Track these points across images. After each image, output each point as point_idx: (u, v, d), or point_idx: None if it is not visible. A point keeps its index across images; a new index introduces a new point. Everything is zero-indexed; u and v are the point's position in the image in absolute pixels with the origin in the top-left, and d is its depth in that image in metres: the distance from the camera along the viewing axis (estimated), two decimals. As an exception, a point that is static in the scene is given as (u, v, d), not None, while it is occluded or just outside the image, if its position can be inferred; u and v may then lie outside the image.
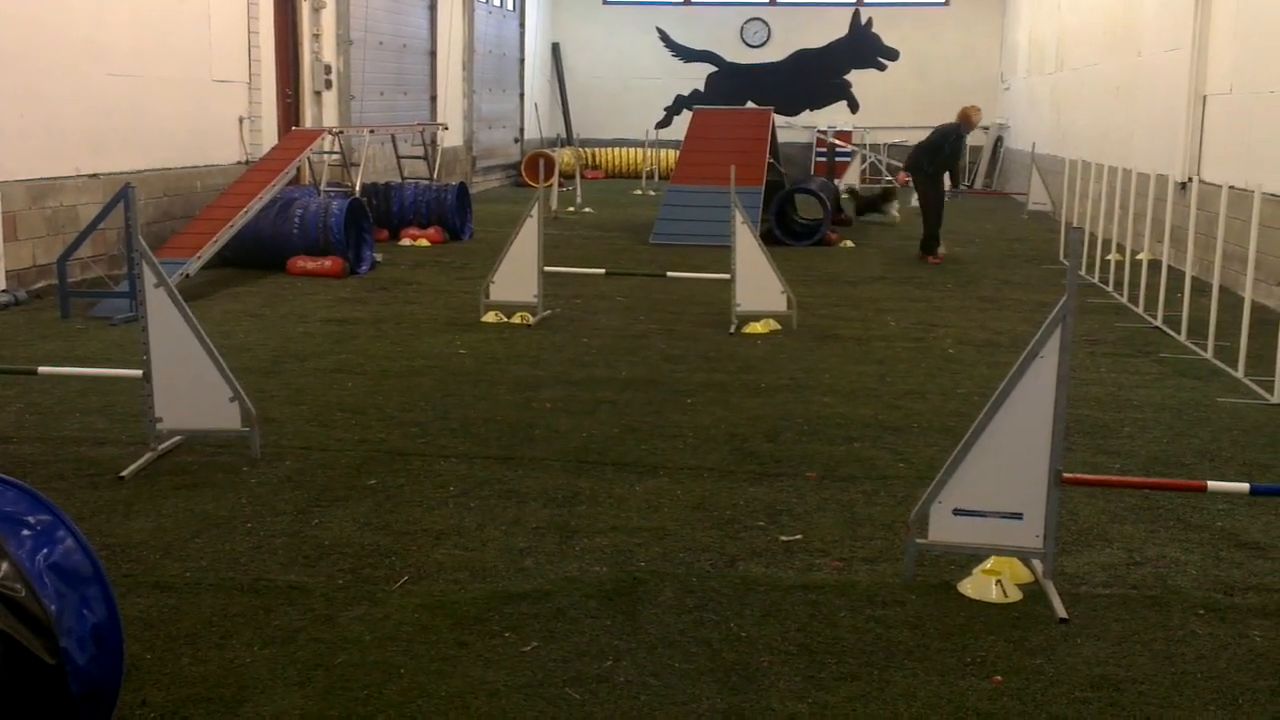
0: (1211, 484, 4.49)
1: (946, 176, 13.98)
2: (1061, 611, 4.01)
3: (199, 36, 12.81)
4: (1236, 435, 6.33)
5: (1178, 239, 10.86)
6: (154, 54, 11.92)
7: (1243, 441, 6.21)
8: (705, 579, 4.30)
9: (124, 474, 5.32)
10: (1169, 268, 9.80)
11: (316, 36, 15.86)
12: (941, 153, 13.49)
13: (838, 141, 26.51)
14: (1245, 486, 4.60)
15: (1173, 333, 8.96)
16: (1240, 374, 7.53)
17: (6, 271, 9.90)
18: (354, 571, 4.30)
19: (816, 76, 28.05)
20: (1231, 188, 8.76)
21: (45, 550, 2.88)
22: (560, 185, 19.52)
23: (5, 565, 2.76)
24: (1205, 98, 13.05)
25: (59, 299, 9.38)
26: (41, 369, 6.33)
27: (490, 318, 9.30)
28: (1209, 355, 8.14)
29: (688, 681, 3.52)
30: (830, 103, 28.10)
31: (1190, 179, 12.73)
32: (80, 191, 10.82)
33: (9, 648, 2.68)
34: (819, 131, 27.33)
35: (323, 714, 3.30)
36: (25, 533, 2.88)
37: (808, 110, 27.97)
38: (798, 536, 4.74)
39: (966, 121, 13.75)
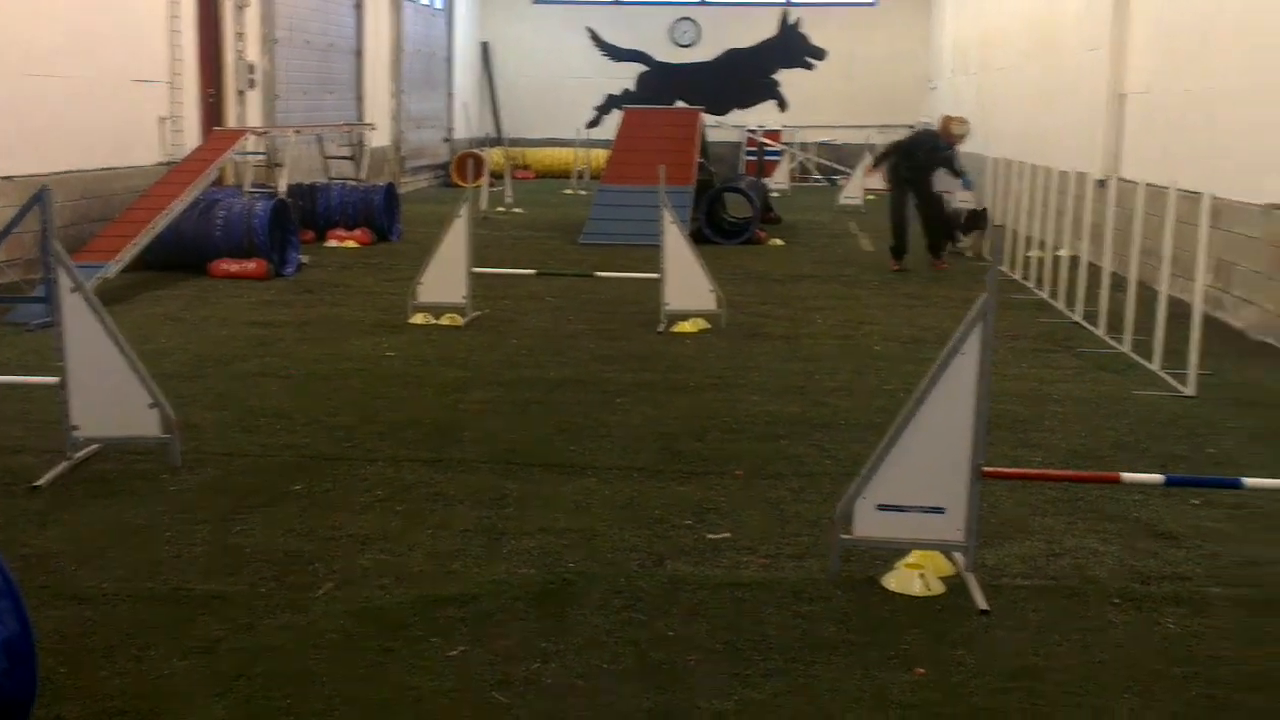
0: (1126, 475, 4.60)
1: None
2: (982, 603, 4.07)
3: (118, 35, 12.55)
4: (1152, 427, 6.48)
5: (1097, 236, 11.09)
6: (71, 53, 11.66)
7: (1158, 434, 6.36)
8: (633, 579, 4.30)
9: (39, 483, 5.20)
10: (1089, 264, 10.00)
11: (240, 35, 15.62)
12: (915, 159, 12.81)
13: (767, 140, 26.70)
14: (1160, 477, 4.72)
15: (1091, 327, 9.14)
16: (1156, 367, 7.71)
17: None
18: (277, 579, 4.25)
19: (746, 76, 28.24)
20: (1148, 185, 8.96)
21: (-48, 564, 2.81)
22: (490, 185, 19.43)
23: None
24: (1124, 97, 13.33)
25: (-27, 304, 9.14)
26: (-47, 377, 6.17)
27: (419, 319, 9.23)
28: (1126, 349, 8.32)
29: (615, 682, 3.53)
30: (759, 102, 28.31)
31: (1109, 177, 12.99)
32: (-6, 194, 10.55)
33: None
34: (748, 130, 27.50)
35: (244, 724, 3.26)
36: (-70, 546, 2.81)
37: (737, 109, 28.15)
38: (725, 535, 4.77)
39: (945, 133, 12.98)
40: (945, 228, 13.40)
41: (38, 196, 5.97)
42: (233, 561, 4.40)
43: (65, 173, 11.52)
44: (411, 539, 4.66)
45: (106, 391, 5.36)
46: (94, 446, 5.55)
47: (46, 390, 5.90)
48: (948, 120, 13.22)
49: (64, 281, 5.29)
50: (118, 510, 4.92)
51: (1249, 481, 4.69)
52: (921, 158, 12.87)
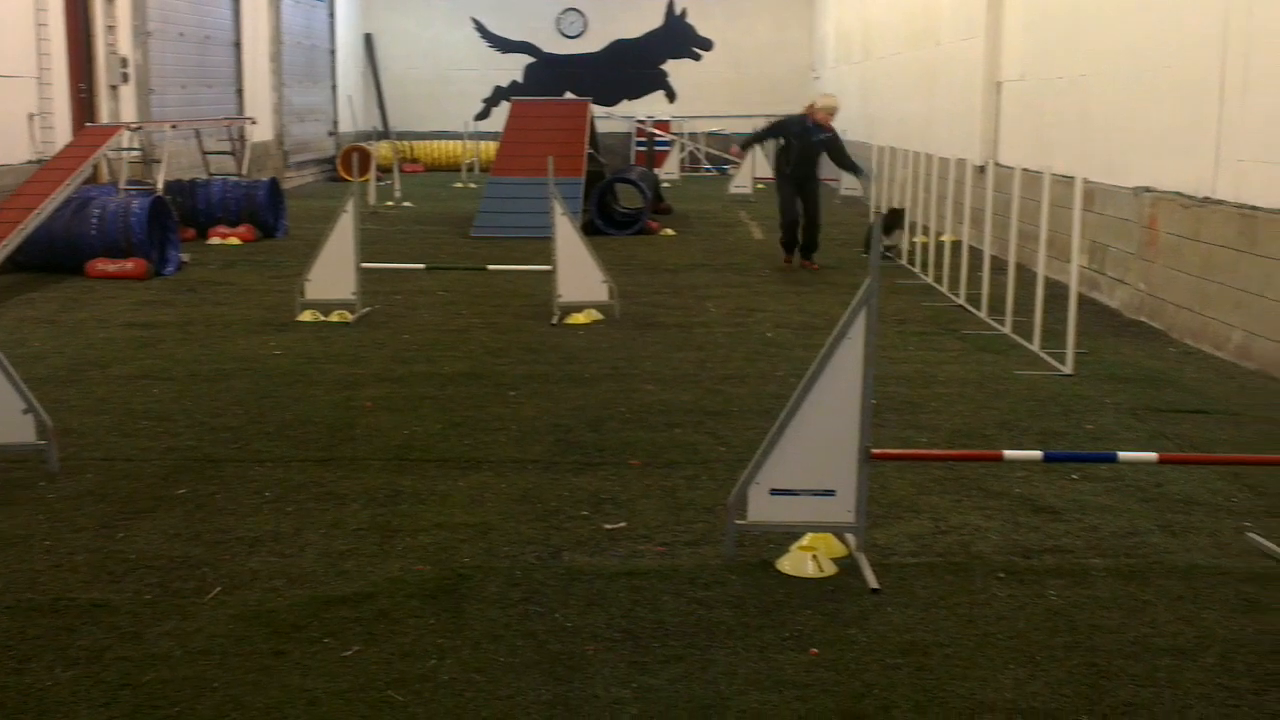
0: (1008, 453, 4.73)
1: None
2: (873, 582, 4.16)
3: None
4: (1033, 406, 6.67)
5: (977, 220, 11.38)
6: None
7: (1039, 411, 6.55)
8: (530, 571, 4.29)
9: (-93, 496, 4.99)
10: (970, 248, 10.25)
11: (111, 28, 15.12)
12: (789, 150, 11.97)
13: (656, 131, 26.80)
14: (1039, 454, 4.87)
15: (974, 310, 9.38)
16: (1036, 347, 7.94)
17: None
18: (163, 585, 4.13)
19: (634, 66, 28.32)
20: (1024, 170, 9.23)
21: None
22: (378, 179, 19.16)
23: None
24: (1000, 84, 13.69)
25: None
26: None
27: (307, 316, 9.06)
28: (1008, 330, 8.56)
29: (513, 675, 3.52)
30: (648, 92, 28.41)
31: (988, 162, 13.33)
32: None
33: None
34: (638, 121, 27.57)
35: (131, 735, 3.17)
36: None
37: (626, 100, 28.21)
38: (621, 524, 4.78)
39: (811, 116, 12.00)
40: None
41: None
42: (116, 569, 4.27)
43: (-73, 172, 11.04)
44: (303, 539, 4.58)
45: (-24, 398, 5.16)
46: (-35, 456, 5.34)
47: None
48: (812, 104, 12.25)
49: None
50: (-8, 521, 4.74)
51: (1124, 455, 4.86)
52: (797, 146, 11.92)
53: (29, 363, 7.23)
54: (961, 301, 9.78)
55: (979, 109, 13.94)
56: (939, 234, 11.21)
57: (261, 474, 5.37)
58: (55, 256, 11.06)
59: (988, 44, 13.73)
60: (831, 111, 12.03)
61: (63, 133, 13.43)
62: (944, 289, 10.40)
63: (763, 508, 4.34)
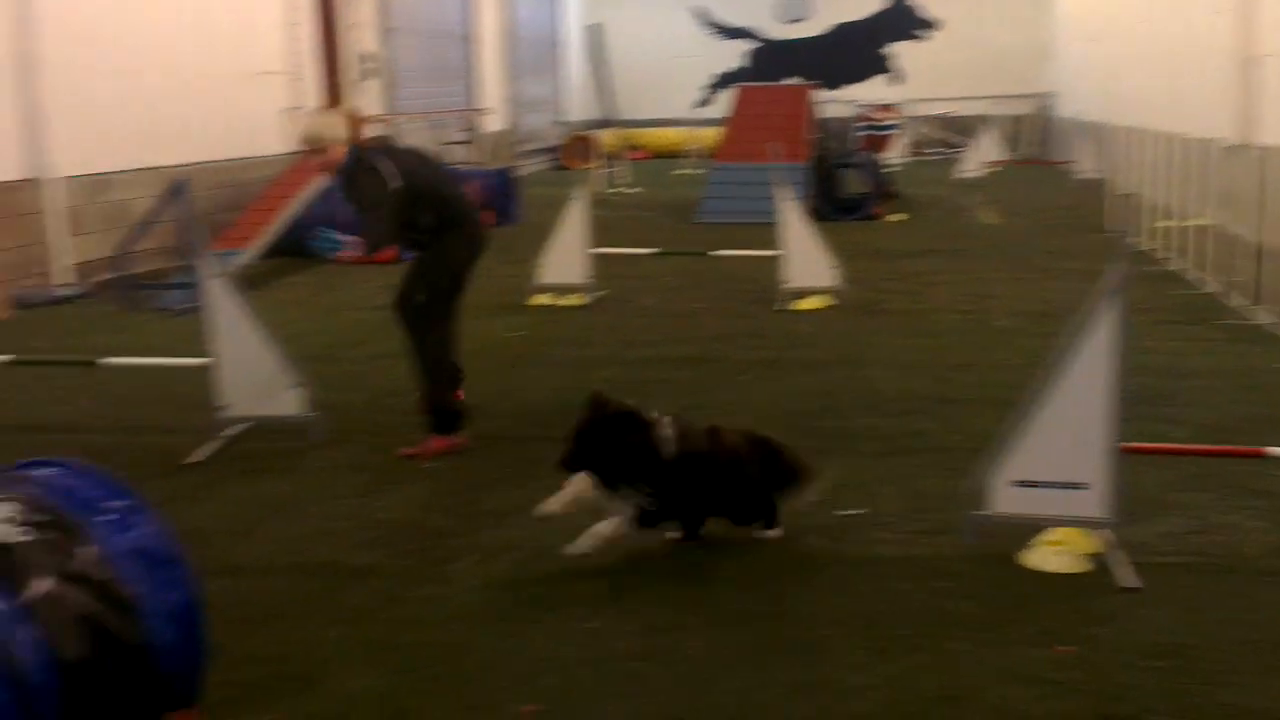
0: (1270, 450, 4.45)
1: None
2: (1126, 580, 3.99)
3: (237, 29, 12.98)
4: (1297, 401, 6.26)
5: (1228, 203, 10.70)
6: (193, 49, 12.13)
7: (1303, 407, 6.14)
8: (769, 555, 4.32)
9: (191, 460, 5.43)
10: (1223, 232, 9.65)
11: (356, 25, 15.97)
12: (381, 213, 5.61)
13: (881, 115, 26.30)
14: (1309, 452, 4.55)
15: (1227, 299, 8.84)
16: (1299, 339, 7.44)
17: (69, 266, 10.17)
18: (421, 552, 4.38)
19: (858, 49, 27.88)
20: (1287, 150, 8.62)
21: (127, 534, 2.96)
22: (609, 166, 19.54)
23: (90, 549, 2.85)
24: (1257, 59, 12.81)
25: (121, 292, 9.53)
26: (105, 360, 6.45)
27: (541, 299, 9.35)
28: (1266, 321, 8.03)
29: (756, 655, 3.56)
30: (872, 75, 27.93)
31: (1244, 142, 12.51)
32: (132, 185, 10.99)
33: (97, 631, 2.76)
34: (862, 105, 27.13)
35: (395, 690, 3.38)
36: (107, 517, 2.96)
37: (850, 84, 27.80)
38: (863, 511, 4.74)
39: (355, 127, 5.56)
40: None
41: (176, 188, 6.22)
42: (377, 535, 4.55)
43: (196, 164, 11.91)
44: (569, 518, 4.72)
45: (250, 373, 5.61)
46: (241, 425, 5.77)
47: (190, 373, 6.12)
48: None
49: (207, 269, 5.52)
50: (264, 486, 5.13)
51: (1406, 454, 4.50)
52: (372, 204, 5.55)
53: (289, 342, 7.65)
54: (1212, 289, 9.23)
55: (1231, 85, 13.08)
56: (1189, 217, 10.61)
57: (502, 451, 5.59)
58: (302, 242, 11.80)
59: (1239, 16, 12.85)
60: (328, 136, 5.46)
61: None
62: (1192, 275, 9.84)
63: (1005, 500, 4.24)
